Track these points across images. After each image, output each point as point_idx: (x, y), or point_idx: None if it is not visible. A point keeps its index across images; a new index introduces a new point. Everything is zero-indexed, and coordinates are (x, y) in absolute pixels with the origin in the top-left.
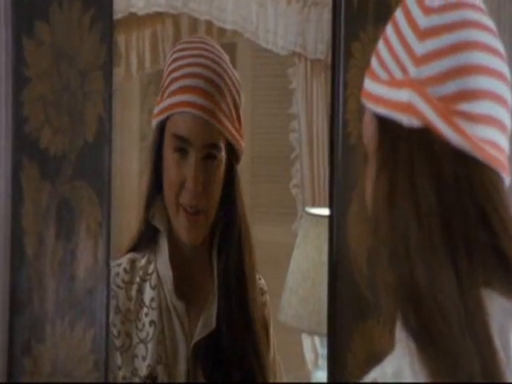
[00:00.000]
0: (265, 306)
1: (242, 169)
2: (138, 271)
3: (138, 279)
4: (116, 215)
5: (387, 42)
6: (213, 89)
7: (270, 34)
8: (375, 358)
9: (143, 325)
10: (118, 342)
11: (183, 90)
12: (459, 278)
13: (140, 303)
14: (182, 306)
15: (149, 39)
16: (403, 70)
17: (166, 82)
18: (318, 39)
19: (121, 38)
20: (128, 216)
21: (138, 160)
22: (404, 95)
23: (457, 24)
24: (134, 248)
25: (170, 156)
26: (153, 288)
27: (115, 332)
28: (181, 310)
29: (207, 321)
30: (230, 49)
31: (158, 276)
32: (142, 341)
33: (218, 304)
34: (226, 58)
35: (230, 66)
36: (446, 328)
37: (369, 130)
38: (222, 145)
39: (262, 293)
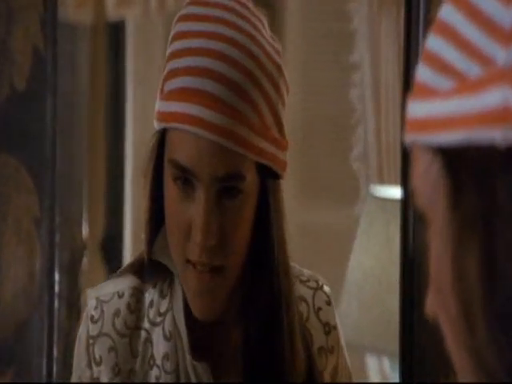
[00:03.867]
0: (331, 354)
1: (290, 135)
2: (146, 310)
3: (146, 323)
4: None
5: (448, 34)
6: (231, 93)
7: None
8: None
9: None
10: None
11: (182, 93)
12: None
13: (149, 361)
14: (204, 369)
15: None
16: (484, 60)
17: (166, 70)
18: None
19: None
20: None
21: None
22: (492, 97)
23: None
24: (140, 270)
25: (170, 184)
26: (167, 339)
27: None
28: (203, 373)
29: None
30: None
31: (174, 320)
32: None
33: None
34: (263, 21)
35: (268, 33)
36: None
37: (428, 180)
38: (250, 170)
39: (327, 331)
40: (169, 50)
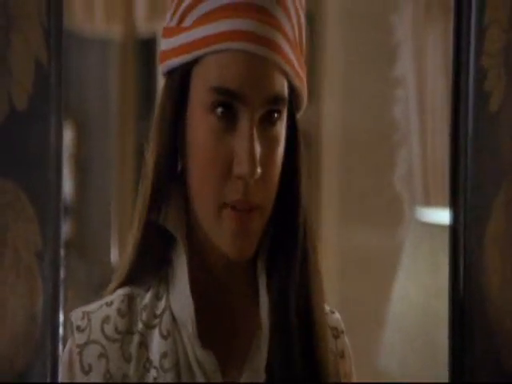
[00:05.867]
0: (341, 358)
1: (329, 153)
2: (139, 314)
3: (140, 326)
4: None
5: None
6: (272, 2)
7: None
8: None
9: None
10: None
11: (231, 9)
12: None
13: (145, 364)
14: (211, 360)
15: None
16: None
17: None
18: None
19: None
20: None
21: None
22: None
23: None
24: (131, 278)
25: (202, 122)
26: (165, 337)
27: None
28: (210, 365)
29: (252, 377)
30: None
31: (173, 317)
32: None
33: (269, 350)
34: None
35: None
36: None
37: None
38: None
39: (336, 335)
40: None
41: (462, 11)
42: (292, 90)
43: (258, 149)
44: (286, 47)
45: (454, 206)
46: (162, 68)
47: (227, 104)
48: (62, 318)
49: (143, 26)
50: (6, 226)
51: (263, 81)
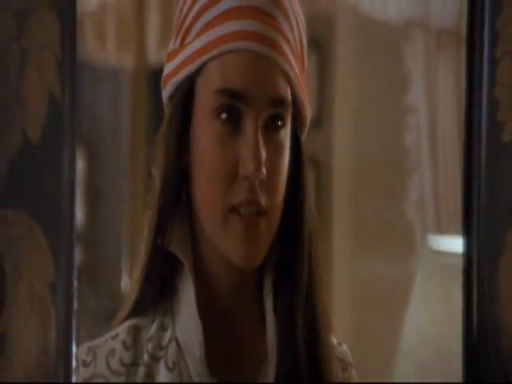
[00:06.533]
0: None
1: (340, 181)
2: (145, 345)
3: (146, 358)
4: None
5: None
6: (274, 6)
7: None
8: None
9: None
10: None
11: (232, 13)
12: None
13: None
14: None
15: None
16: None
17: (192, 14)
18: (446, 0)
19: None
20: None
21: None
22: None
23: None
24: (138, 309)
25: (207, 129)
26: (170, 369)
27: None
28: None
29: None
30: (327, 23)
31: (179, 348)
32: None
33: (276, 378)
34: None
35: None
36: None
37: None
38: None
39: (344, 367)
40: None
41: (475, 42)
42: (295, 103)
43: (262, 150)
44: (288, 50)
45: (468, 234)
46: (165, 93)
47: (232, 107)
48: (74, 349)
49: (154, 56)
50: (20, 258)
51: (267, 81)
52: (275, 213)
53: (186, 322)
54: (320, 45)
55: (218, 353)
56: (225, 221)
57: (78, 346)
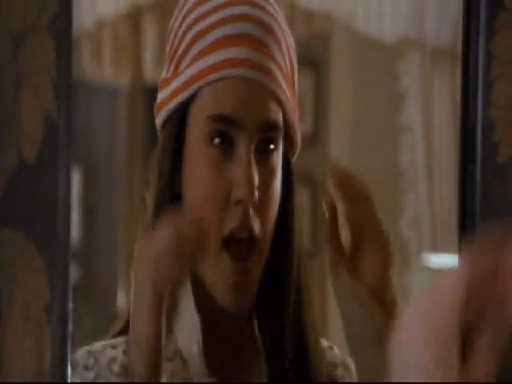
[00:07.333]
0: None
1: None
2: None
3: None
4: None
5: None
6: (265, 33)
7: (373, 17)
8: None
9: None
10: None
11: (225, 41)
12: None
13: None
14: None
15: None
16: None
17: (185, 42)
18: (441, 20)
19: None
20: None
21: None
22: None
23: None
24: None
25: (200, 155)
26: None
27: None
28: None
29: None
30: (322, 42)
31: (181, 356)
32: None
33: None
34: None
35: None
36: None
37: None
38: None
39: (333, 369)
40: (185, 22)
41: (469, 64)
42: (286, 126)
43: (255, 173)
44: (280, 76)
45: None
46: (158, 120)
47: (224, 133)
48: (70, 371)
49: (151, 75)
50: (15, 278)
51: (259, 106)
52: (266, 243)
53: (187, 324)
54: (316, 63)
55: (216, 353)
56: (218, 256)
57: (73, 368)
